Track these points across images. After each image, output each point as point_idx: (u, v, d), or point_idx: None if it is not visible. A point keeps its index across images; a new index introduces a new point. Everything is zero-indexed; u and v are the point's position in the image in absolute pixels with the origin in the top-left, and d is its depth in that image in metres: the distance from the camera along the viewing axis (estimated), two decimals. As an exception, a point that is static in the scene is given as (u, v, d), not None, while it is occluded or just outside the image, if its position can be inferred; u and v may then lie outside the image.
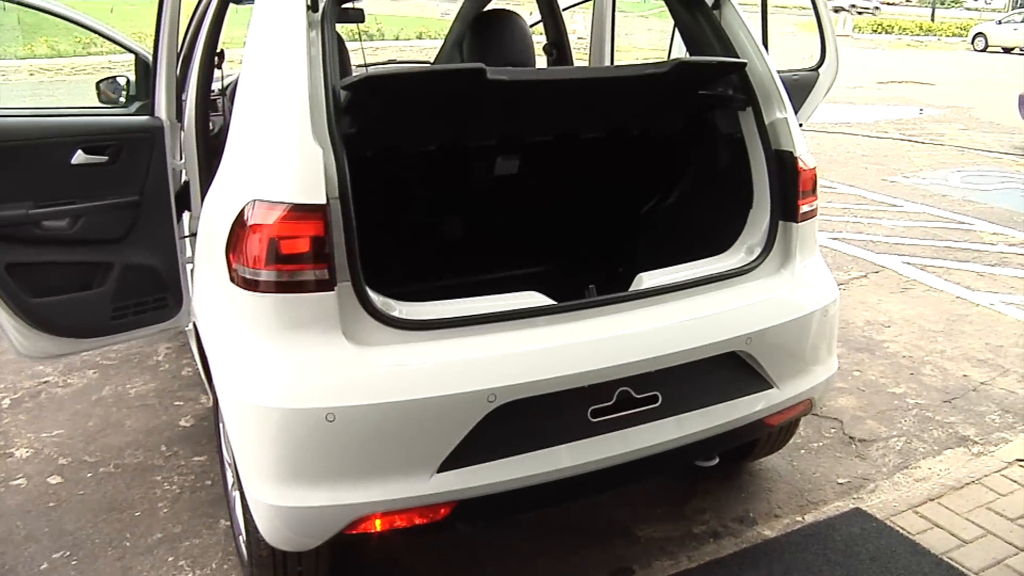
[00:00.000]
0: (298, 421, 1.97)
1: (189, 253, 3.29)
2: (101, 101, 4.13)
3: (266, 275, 1.98)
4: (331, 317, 2.01)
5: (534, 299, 2.25)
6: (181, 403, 3.77)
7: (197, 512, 3.00)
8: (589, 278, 2.51)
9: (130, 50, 4.00)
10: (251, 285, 2.01)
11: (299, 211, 1.96)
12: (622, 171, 3.26)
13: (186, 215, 3.27)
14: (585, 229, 3.42)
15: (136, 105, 3.58)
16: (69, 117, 3.04)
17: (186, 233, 3.29)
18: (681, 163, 3.15)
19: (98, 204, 2.99)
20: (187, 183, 3.27)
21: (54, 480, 3.20)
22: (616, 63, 4.42)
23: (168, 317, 3.27)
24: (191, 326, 2.99)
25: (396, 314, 2.09)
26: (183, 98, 3.35)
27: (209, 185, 3.21)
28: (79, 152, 2.91)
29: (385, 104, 2.42)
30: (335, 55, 2.13)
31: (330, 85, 2.07)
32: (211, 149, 3.27)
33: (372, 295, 2.07)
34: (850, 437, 3.58)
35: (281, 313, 2.00)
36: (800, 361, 2.62)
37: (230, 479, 2.64)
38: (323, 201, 1.96)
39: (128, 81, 4.12)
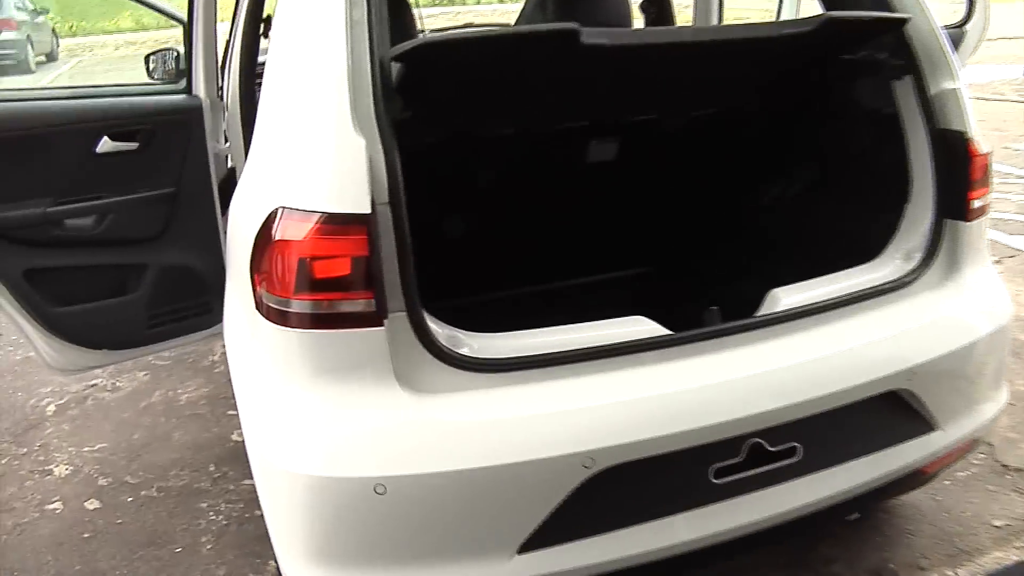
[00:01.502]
0: (338, 493, 1.54)
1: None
2: (151, 77, 3.75)
3: (297, 305, 1.54)
4: (381, 358, 1.56)
5: (641, 327, 1.76)
6: (235, 413, 3.40)
7: (244, 550, 2.62)
8: (704, 296, 2.01)
9: (176, 19, 3.60)
10: (279, 317, 1.57)
11: (337, 223, 1.51)
12: (742, 156, 2.71)
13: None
14: (694, 230, 2.89)
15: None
16: (92, 99, 2.65)
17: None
18: (813, 146, 2.60)
19: (128, 199, 2.61)
20: (233, 170, 2.87)
21: (92, 505, 2.87)
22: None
23: (212, 323, 2.90)
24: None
25: (465, 352, 1.63)
26: (226, 73, 2.95)
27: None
28: (104, 139, 2.53)
29: (449, 78, 1.94)
30: (383, 17, 1.66)
31: (376, 56, 1.61)
32: None
33: (434, 326, 1.61)
34: (1003, 466, 2.99)
35: (316, 354, 1.56)
36: (968, 395, 2.08)
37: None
38: (367, 209, 1.51)
39: (178, 55, 3.73)
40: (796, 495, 1.82)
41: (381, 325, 1.55)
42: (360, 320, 1.54)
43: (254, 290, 1.64)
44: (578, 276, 2.73)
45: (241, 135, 2.79)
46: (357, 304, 1.53)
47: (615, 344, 1.72)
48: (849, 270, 2.02)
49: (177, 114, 2.64)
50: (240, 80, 2.74)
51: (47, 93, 2.90)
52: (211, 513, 2.80)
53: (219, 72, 2.86)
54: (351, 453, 1.55)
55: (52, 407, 3.51)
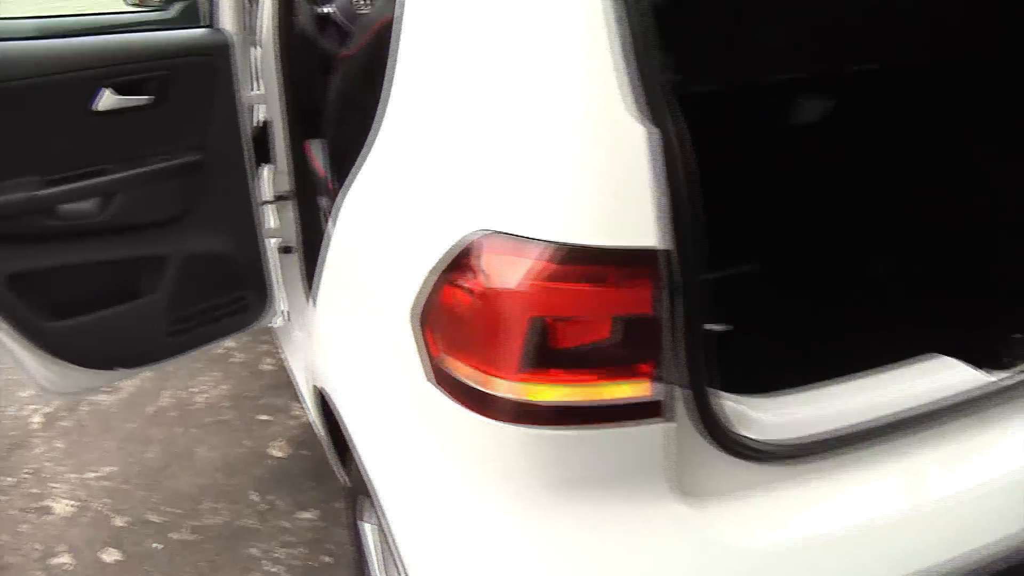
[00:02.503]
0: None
1: (271, 223, 2.29)
2: (127, 3, 2.97)
3: (520, 391, 0.95)
4: (652, 462, 0.99)
5: (954, 372, 1.21)
6: (267, 417, 2.81)
7: (319, 617, 2.08)
8: (989, 316, 1.46)
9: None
10: (484, 404, 0.98)
11: (599, 261, 0.91)
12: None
13: (266, 171, 2.25)
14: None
15: (179, 6, 2.45)
16: (84, 36, 1.95)
17: (266, 197, 2.27)
18: None
19: (139, 172, 1.95)
20: (265, 124, 2.22)
21: (110, 557, 2.28)
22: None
23: (250, 322, 2.29)
24: (308, 383, 1.98)
25: (755, 434, 1.06)
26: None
27: (297, 126, 2.19)
28: (105, 93, 1.85)
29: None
30: None
31: None
32: (302, 72, 2.22)
33: (725, 403, 1.04)
34: None
35: (550, 460, 0.98)
36: None
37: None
38: (652, 242, 0.91)
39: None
40: None
41: (659, 417, 0.96)
42: (627, 412, 0.95)
43: (428, 353, 1.04)
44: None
45: (278, 79, 2.14)
46: (623, 388, 0.94)
47: (935, 402, 1.16)
48: None
49: (199, 54, 1.96)
50: (278, 6, 2.07)
51: (9, 26, 2.17)
52: (266, 562, 2.22)
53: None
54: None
55: (38, 417, 2.87)
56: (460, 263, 0.96)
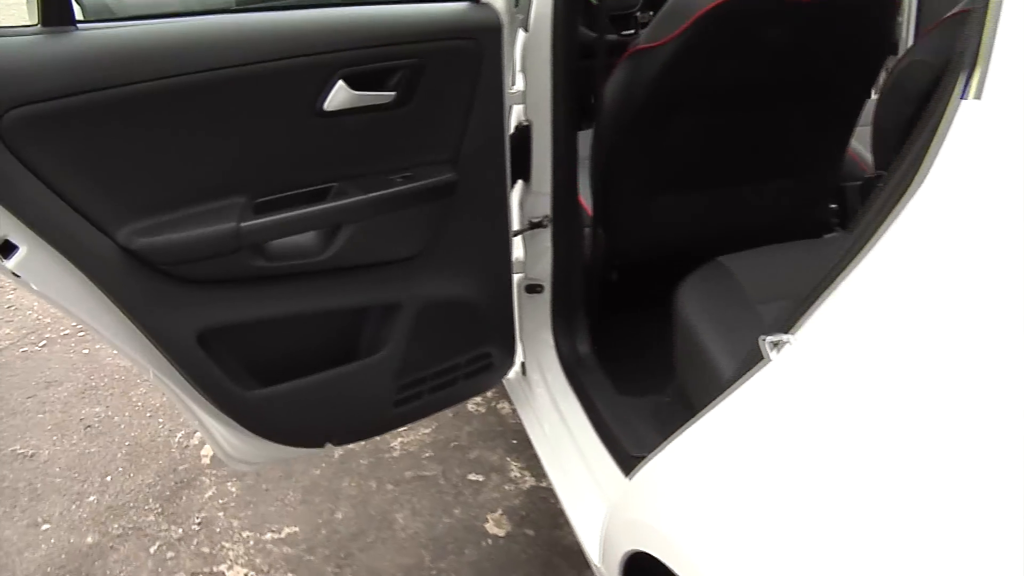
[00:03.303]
0: None
1: (519, 254, 1.76)
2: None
3: None
4: None
5: None
6: (479, 477, 2.28)
7: None
8: None
9: None
10: None
11: None
12: None
13: (516, 189, 1.72)
14: None
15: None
16: (306, 9, 1.41)
17: (517, 225, 1.74)
18: None
19: (379, 196, 1.42)
20: (525, 129, 1.68)
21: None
22: None
23: (492, 383, 1.78)
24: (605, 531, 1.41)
25: None
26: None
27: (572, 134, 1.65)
28: (339, 85, 1.32)
29: None
30: None
31: None
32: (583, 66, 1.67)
33: None
34: None
35: None
36: None
37: None
38: None
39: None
40: None
41: None
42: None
43: None
44: None
45: (551, 71, 1.58)
46: None
47: None
48: None
49: (461, 36, 1.41)
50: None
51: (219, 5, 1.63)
52: None
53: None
54: None
55: (208, 450, 2.44)
56: None
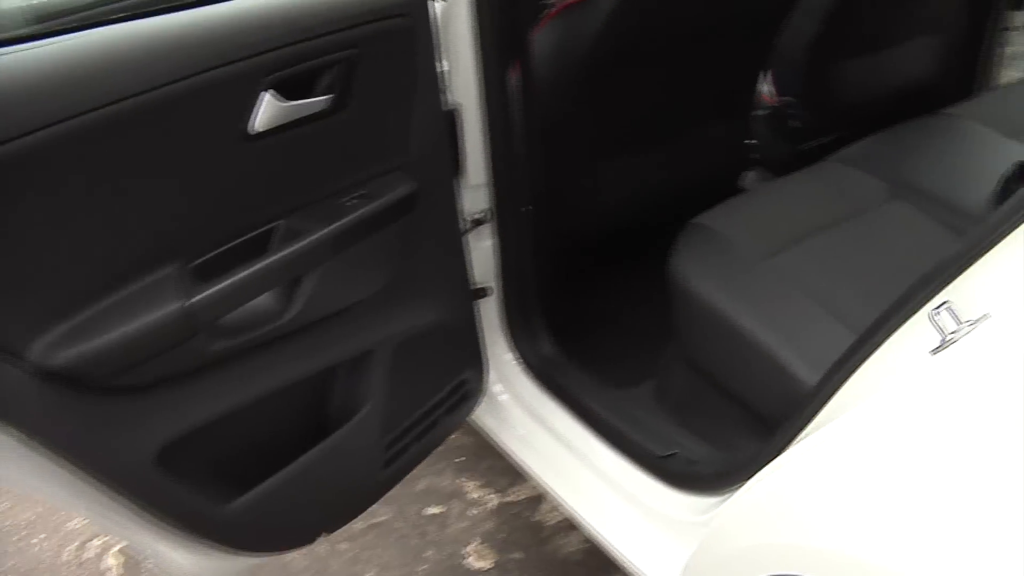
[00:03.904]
0: None
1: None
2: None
3: None
4: None
5: None
6: (438, 509, 2.04)
7: None
8: None
9: None
10: None
11: None
12: None
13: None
14: None
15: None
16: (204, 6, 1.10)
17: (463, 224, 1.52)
18: None
19: (331, 231, 1.15)
20: (450, 114, 1.46)
21: None
22: None
23: (470, 411, 1.56)
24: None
25: None
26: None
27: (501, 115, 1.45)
28: (265, 98, 1.04)
29: None
30: None
31: None
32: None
33: None
34: None
35: None
36: None
37: None
38: None
39: None
40: None
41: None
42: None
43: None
44: None
45: (477, 41, 1.37)
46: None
47: None
48: None
49: (392, 15, 1.15)
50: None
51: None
52: None
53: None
54: None
55: (111, 559, 2.04)
56: None
